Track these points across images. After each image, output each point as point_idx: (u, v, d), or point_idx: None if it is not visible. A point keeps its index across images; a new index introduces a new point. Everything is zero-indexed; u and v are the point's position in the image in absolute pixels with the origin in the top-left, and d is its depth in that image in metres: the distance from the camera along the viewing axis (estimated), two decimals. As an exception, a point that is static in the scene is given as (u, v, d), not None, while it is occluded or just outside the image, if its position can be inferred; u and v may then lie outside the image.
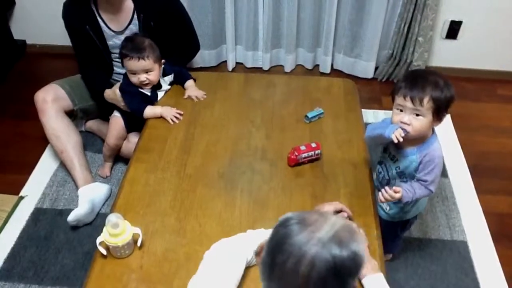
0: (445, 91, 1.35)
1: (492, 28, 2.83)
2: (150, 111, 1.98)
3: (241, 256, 1.22)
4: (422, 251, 2.03)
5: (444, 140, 2.56)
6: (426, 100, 1.35)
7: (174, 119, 1.93)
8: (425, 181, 1.46)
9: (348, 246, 0.83)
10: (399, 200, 1.47)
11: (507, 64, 2.99)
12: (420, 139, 1.45)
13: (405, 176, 1.52)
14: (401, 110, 1.40)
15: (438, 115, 1.39)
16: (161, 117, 1.95)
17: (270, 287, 0.88)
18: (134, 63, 1.93)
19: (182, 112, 1.95)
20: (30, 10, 3.08)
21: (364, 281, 1.28)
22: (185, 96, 2.04)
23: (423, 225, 2.13)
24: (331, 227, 0.85)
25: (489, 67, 3.01)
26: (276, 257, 0.85)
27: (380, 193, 1.48)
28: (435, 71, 1.43)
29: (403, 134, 1.38)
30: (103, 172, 2.34)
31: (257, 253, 0.95)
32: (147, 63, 1.94)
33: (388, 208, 1.63)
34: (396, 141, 1.38)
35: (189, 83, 2.08)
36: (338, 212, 1.46)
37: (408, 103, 1.36)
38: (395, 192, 1.44)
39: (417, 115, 1.38)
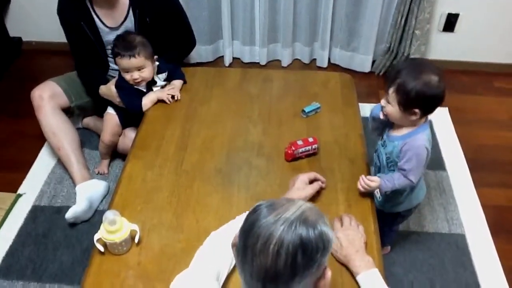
0: (415, 87, 1.34)
1: (489, 21, 2.82)
2: (146, 100, 1.99)
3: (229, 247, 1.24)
4: (420, 244, 2.03)
5: (442, 133, 2.57)
6: (391, 90, 1.40)
7: (170, 99, 1.97)
8: (404, 169, 1.47)
9: (315, 225, 0.87)
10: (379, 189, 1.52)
11: (504, 56, 2.98)
12: (408, 128, 1.46)
13: (392, 164, 1.53)
14: None
15: (405, 108, 1.39)
16: (157, 102, 1.99)
17: (244, 271, 0.90)
18: (125, 61, 1.93)
19: (173, 94, 2.00)
20: (26, 7, 3.06)
21: (359, 278, 1.28)
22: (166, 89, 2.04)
23: (421, 218, 2.13)
24: (298, 208, 0.89)
25: (486, 60, 3.00)
26: (247, 241, 0.88)
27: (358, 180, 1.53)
28: (431, 65, 1.41)
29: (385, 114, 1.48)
30: (100, 170, 2.33)
31: (233, 244, 0.97)
32: (138, 60, 1.93)
33: (378, 195, 1.63)
34: (382, 117, 1.48)
35: (176, 82, 2.07)
36: (312, 181, 1.53)
37: (385, 89, 1.44)
38: (370, 181, 1.49)
39: (388, 101, 1.42)
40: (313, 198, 1.53)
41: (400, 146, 1.47)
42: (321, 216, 0.91)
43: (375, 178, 1.50)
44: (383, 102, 1.45)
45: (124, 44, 1.93)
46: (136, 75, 1.96)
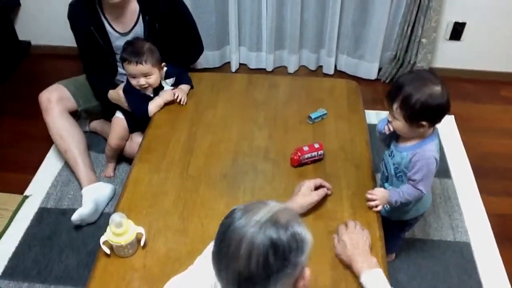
0: (419, 100, 1.34)
1: (495, 29, 2.82)
2: (153, 106, 2.00)
3: None
4: (425, 252, 2.03)
5: (447, 141, 2.57)
6: (395, 106, 1.39)
7: (175, 97, 2.00)
8: (413, 180, 1.47)
9: (286, 226, 0.87)
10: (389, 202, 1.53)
11: (510, 65, 2.98)
12: (416, 138, 1.46)
13: (400, 174, 1.53)
14: None
15: (412, 121, 1.39)
16: (165, 106, 2.01)
17: (221, 277, 0.90)
18: (132, 67, 1.95)
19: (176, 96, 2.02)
20: (35, 11, 3.10)
21: (362, 278, 1.29)
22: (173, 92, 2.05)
23: (426, 226, 2.13)
24: (269, 210, 0.89)
25: (493, 69, 3.00)
26: (221, 246, 0.89)
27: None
28: (431, 76, 1.40)
29: (391, 129, 1.48)
30: (107, 173, 2.35)
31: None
32: (145, 67, 1.94)
33: (386, 205, 1.63)
34: (387, 132, 1.50)
35: (183, 86, 2.09)
36: (318, 187, 1.53)
37: (388, 105, 1.43)
38: (373, 196, 1.53)
39: (394, 117, 1.42)
40: (319, 204, 1.53)
41: (409, 157, 1.46)
42: (294, 216, 0.91)
43: (378, 193, 1.53)
44: (389, 117, 1.44)
45: (132, 50, 1.95)
46: (142, 81, 1.98)
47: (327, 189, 1.56)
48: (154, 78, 1.99)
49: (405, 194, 1.49)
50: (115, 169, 2.38)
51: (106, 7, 2.09)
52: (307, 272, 0.92)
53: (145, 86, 2.00)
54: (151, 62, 1.95)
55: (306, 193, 1.49)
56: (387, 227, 1.54)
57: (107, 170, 2.35)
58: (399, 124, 1.41)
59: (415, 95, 1.34)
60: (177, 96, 2.01)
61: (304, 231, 0.90)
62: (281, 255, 0.85)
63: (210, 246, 1.24)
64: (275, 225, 0.86)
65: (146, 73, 1.96)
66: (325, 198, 1.56)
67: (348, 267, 1.35)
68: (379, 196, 1.53)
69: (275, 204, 0.92)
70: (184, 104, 2.02)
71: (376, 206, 1.53)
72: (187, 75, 2.15)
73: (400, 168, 1.52)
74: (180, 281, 1.14)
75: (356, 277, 1.32)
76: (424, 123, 1.39)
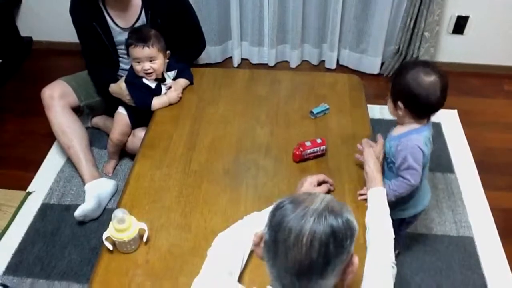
0: (402, 79, 1.39)
1: (499, 23, 2.81)
2: (157, 102, 2.00)
3: (243, 243, 1.28)
4: (428, 247, 2.03)
5: (451, 135, 2.56)
6: (390, 84, 1.46)
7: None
8: (399, 169, 1.49)
9: (341, 214, 0.90)
10: None
11: (514, 59, 2.97)
12: (405, 128, 1.48)
13: (390, 165, 1.55)
14: None
15: (393, 100, 1.45)
16: (169, 105, 2.00)
17: (276, 265, 0.92)
18: (138, 50, 1.94)
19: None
20: (37, 7, 3.09)
21: (369, 192, 1.44)
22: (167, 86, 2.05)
23: (429, 221, 2.12)
24: (322, 200, 0.92)
25: (496, 63, 2.99)
26: (278, 236, 0.89)
27: None
28: (436, 68, 1.40)
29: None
30: (106, 169, 2.35)
31: (256, 244, 1.00)
32: (151, 50, 1.95)
33: None
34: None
35: (181, 81, 2.08)
36: (321, 183, 1.54)
37: None
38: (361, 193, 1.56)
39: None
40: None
41: (395, 146, 1.48)
42: (344, 205, 0.94)
43: (363, 192, 1.55)
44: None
45: (138, 35, 1.96)
46: (147, 65, 1.97)
47: (330, 185, 1.56)
48: (158, 64, 1.99)
49: (393, 186, 1.51)
50: (115, 166, 2.38)
51: (109, 2, 2.08)
52: (356, 258, 0.95)
53: (149, 71, 1.99)
54: (157, 47, 1.96)
55: (309, 189, 1.49)
56: None
57: (107, 166, 2.35)
58: (389, 104, 1.48)
59: (401, 78, 1.39)
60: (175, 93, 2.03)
61: (353, 218, 0.93)
62: (340, 242, 0.88)
63: (219, 240, 1.29)
64: (333, 213, 0.89)
65: (151, 57, 1.96)
66: (327, 193, 1.56)
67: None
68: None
69: (323, 195, 0.95)
70: (179, 99, 2.02)
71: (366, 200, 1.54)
72: (189, 71, 2.14)
73: (389, 157, 1.53)
74: (201, 284, 1.16)
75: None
76: (400, 104, 1.42)
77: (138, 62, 1.98)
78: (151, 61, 1.97)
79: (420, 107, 1.41)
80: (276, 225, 0.90)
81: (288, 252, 0.88)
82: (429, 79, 1.36)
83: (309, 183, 1.50)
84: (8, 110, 2.80)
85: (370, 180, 1.48)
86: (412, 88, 1.37)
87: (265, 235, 0.93)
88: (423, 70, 1.37)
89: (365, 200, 1.51)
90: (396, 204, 1.62)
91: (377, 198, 1.43)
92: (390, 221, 1.36)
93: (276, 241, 0.90)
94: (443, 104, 1.40)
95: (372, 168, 1.49)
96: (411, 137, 1.45)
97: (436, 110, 1.42)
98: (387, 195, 1.49)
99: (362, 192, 1.55)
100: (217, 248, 1.27)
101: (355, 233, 0.92)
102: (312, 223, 0.87)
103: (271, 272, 0.94)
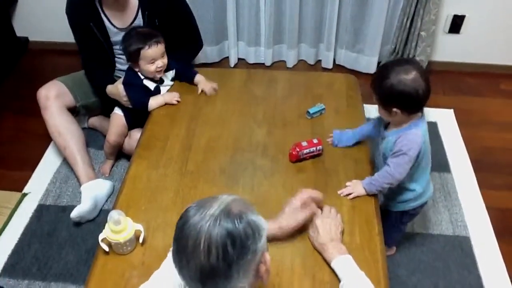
0: (386, 82, 1.38)
1: (495, 22, 2.81)
2: (154, 102, 1.99)
3: None
4: (424, 247, 2.03)
5: (447, 135, 2.56)
6: (372, 87, 1.46)
7: (179, 100, 1.99)
8: (391, 160, 1.49)
9: (240, 216, 0.90)
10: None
11: (510, 58, 2.97)
12: (403, 124, 1.48)
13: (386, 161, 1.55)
14: None
15: (384, 106, 1.45)
16: (165, 104, 1.99)
17: (183, 275, 0.92)
18: (153, 50, 1.94)
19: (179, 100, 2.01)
20: (33, 7, 3.08)
21: (333, 265, 1.32)
22: (199, 92, 2.04)
23: (425, 220, 2.13)
24: (221, 203, 0.92)
25: (492, 62, 2.99)
26: (179, 245, 0.90)
27: None
28: (412, 64, 1.41)
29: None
30: (103, 170, 2.34)
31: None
32: (163, 45, 1.97)
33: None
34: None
35: (199, 78, 2.08)
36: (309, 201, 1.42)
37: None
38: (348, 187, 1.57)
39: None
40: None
41: (394, 139, 1.48)
42: (247, 206, 0.93)
43: (351, 183, 1.57)
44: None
45: (144, 35, 1.95)
46: (160, 62, 1.98)
47: (318, 203, 1.44)
48: (166, 58, 2.00)
49: (375, 175, 1.52)
50: (112, 167, 2.37)
51: (106, 2, 2.08)
52: (267, 256, 0.95)
53: (161, 68, 2.00)
54: (163, 41, 1.98)
55: (290, 215, 1.37)
56: (387, 219, 1.55)
57: (104, 167, 2.35)
58: (379, 109, 1.47)
59: (387, 79, 1.39)
60: (202, 91, 2.04)
61: (258, 218, 0.93)
62: (239, 244, 0.88)
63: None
64: (229, 216, 0.89)
65: (163, 52, 1.98)
66: (324, 192, 1.55)
67: (319, 253, 1.37)
68: (352, 183, 1.57)
69: (226, 197, 0.95)
70: (215, 92, 2.04)
71: (349, 194, 1.56)
72: (189, 67, 2.15)
73: (386, 154, 1.53)
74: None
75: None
76: (395, 109, 1.42)
77: (153, 63, 1.97)
78: (162, 56, 1.98)
79: (414, 104, 1.42)
80: (177, 233, 0.91)
81: (189, 260, 0.88)
82: (411, 75, 1.37)
83: (291, 208, 1.38)
84: (4, 109, 2.78)
85: (331, 249, 1.33)
86: (400, 90, 1.37)
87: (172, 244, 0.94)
88: (401, 70, 1.38)
89: (347, 195, 1.54)
90: (397, 196, 1.62)
91: (344, 267, 1.30)
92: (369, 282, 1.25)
93: (178, 250, 0.90)
94: (430, 90, 1.40)
95: (338, 237, 1.38)
96: (411, 131, 1.46)
97: (428, 98, 1.42)
98: (369, 185, 1.53)
99: (347, 183, 1.57)
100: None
101: (261, 232, 0.92)
102: (207, 227, 0.87)
103: (182, 281, 0.94)
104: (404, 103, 1.40)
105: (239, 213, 0.90)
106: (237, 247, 0.87)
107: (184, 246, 0.89)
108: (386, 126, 1.56)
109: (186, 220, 0.91)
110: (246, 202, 0.95)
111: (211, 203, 0.92)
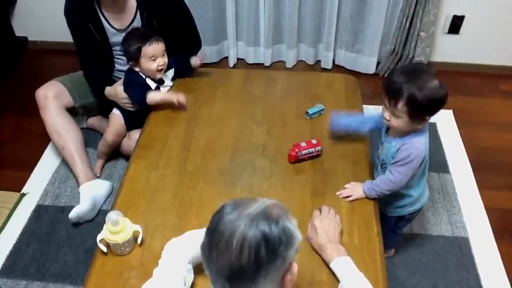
0: (426, 96, 1.33)
1: (494, 22, 2.81)
2: (153, 94, 1.98)
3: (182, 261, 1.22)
4: (423, 247, 2.03)
5: (446, 135, 2.56)
6: (400, 105, 1.35)
7: (181, 99, 1.94)
8: (394, 163, 1.48)
9: (277, 220, 0.89)
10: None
11: (509, 59, 2.97)
12: (407, 131, 1.46)
13: (385, 165, 1.54)
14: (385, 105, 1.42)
15: (415, 118, 1.38)
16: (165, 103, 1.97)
17: (210, 270, 0.91)
18: (154, 47, 1.95)
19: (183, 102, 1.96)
20: (32, 7, 3.08)
21: (331, 266, 1.31)
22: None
23: (424, 221, 2.12)
24: (260, 204, 0.91)
25: (492, 62, 2.99)
26: (212, 239, 0.90)
27: None
28: (427, 69, 1.40)
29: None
30: (94, 171, 2.32)
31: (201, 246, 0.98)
32: (163, 44, 1.99)
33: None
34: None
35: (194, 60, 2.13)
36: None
37: (386, 102, 1.40)
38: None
39: (394, 114, 1.39)
40: (317, 202, 1.53)
41: (398, 146, 1.47)
42: (284, 212, 0.92)
43: (350, 185, 1.56)
44: (387, 116, 1.41)
45: (144, 34, 1.97)
46: (161, 61, 1.99)
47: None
48: (166, 57, 2.02)
49: (377, 181, 1.51)
50: (103, 167, 2.37)
51: (104, 3, 2.07)
52: (295, 267, 0.94)
53: (162, 67, 2.00)
54: (163, 40, 2.00)
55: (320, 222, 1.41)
56: (384, 224, 1.54)
57: (94, 168, 2.33)
58: (400, 122, 1.39)
59: (421, 92, 1.32)
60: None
61: (293, 226, 0.92)
62: (272, 248, 0.87)
63: (169, 246, 1.25)
64: (267, 219, 0.88)
65: (163, 50, 1.99)
66: (323, 193, 1.55)
67: (317, 253, 1.37)
68: (351, 185, 1.56)
69: (266, 200, 0.94)
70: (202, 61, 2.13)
71: (348, 197, 1.55)
72: (186, 62, 2.16)
73: (386, 158, 1.53)
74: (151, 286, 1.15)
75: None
76: (427, 117, 1.40)
77: (154, 60, 1.98)
78: (163, 55, 1.99)
79: (442, 107, 1.40)
80: (211, 228, 0.91)
81: (219, 256, 0.88)
82: (436, 81, 1.35)
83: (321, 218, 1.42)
84: (3, 109, 2.78)
85: (330, 250, 1.34)
86: (438, 98, 1.35)
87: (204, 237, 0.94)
88: (425, 79, 1.34)
89: (346, 197, 1.54)
90: (394, 201, 1.62)
91: (343, 268, 1.30)
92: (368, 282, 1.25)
93: (210, 244, 0.90)
94: None
95: (337, 238, 1.39)
96: (416, 140, 1.44)
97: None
98: (369, 190, 1.52)
99: (346, 186, 1.57)
100: (166, 255, 1.24)
101: (294, 240, 0.91)
102: (243, 227, 0.86)
103: (207, 275, 0.94)
104: (437, 109, 1.38)
105: (277, 217, 0.89)
106: (269, 251, 0.87)
107: (217, 242, 0.88)
108: (387, 129, 1.55)
109: (222, 217, 0.90)
110: (285, 208, 0.94)
111: (250, 203, 0.91)
